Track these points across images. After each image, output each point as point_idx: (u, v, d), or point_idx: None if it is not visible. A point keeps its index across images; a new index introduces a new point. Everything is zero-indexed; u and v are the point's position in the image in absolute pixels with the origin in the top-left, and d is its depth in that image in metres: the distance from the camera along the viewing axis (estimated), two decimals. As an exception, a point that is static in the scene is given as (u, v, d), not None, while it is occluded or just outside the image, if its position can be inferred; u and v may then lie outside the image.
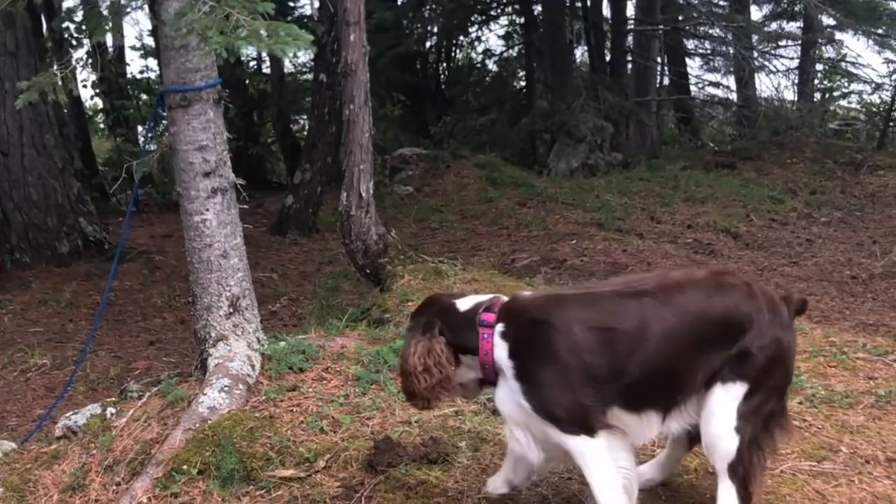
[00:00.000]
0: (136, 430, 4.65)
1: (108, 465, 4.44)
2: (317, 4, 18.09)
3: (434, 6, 20.53)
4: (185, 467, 4.17)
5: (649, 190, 13.07)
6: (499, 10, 21.73)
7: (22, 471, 4.61)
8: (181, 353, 7.85)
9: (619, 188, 13.12)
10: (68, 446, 4.75)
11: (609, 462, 3.42)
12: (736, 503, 3.46)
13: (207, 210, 4.91)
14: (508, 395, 3.49)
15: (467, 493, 3.85)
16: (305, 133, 14.43)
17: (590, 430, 3.40)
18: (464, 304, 3.66)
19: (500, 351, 3.47)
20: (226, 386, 4.65)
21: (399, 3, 19.71)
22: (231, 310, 5.00)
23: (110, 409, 4.93)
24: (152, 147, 5.72)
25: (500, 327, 3.50)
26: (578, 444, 3.42)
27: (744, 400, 3.44)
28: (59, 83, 4.59)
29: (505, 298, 3.66)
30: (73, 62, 6.12)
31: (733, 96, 22.43)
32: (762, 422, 3.48)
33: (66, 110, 12.46)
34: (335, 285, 9.08)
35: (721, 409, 3.45)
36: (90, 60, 5.21)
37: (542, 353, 3.44)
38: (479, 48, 22.78)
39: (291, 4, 18.57)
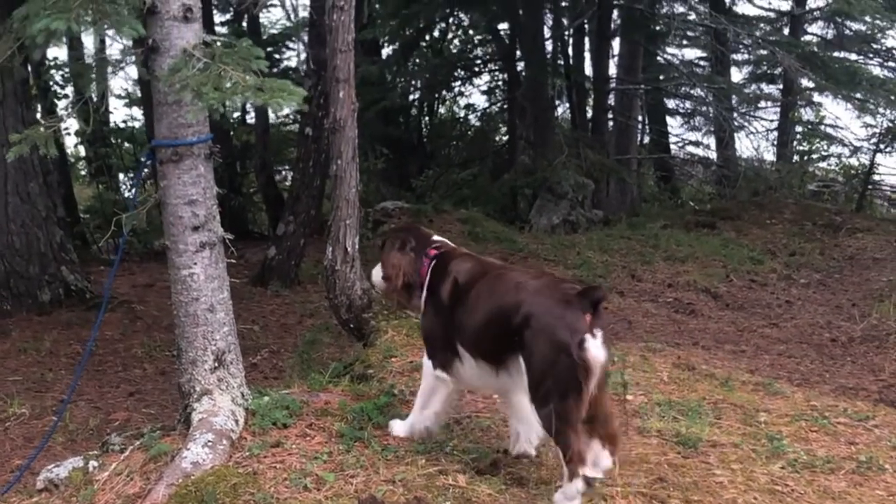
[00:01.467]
0: (119, 484, 4.63)
1: (89, 521, 4.43)
2: (303, 57, 18.28)
3: (419, 61, 20.74)
4: (167, 523, 4.16)
5: (630, 248, 13.16)
6: (482, 67, 21.97)
7: (2, 524, 4.60)
8: (161, 405, 7.81)
9: (600, 245, 13.21)
10: (49, 499, 4.73)
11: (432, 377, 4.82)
12: None
13: (195, 264, 4.93)
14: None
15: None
16: (289, 185, 14.46)
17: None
18: (433, 239, 5.10)
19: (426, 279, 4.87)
20: (209, 441, 4.64)
21: (384, 57, 19.88)
22: (216, 364, 5.01)
23: (92, 463, 4.91)
24: (138, 199, 5.70)
25: (433, 263, 4.88)
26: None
27: None
28: (52, 136, 4.62)
29: (453, 247, 5.08)
30: (63, 114, 6.15)
31: (713, 156, 22.74)
32: None
33: (48, 158, 12.46)
34: (317, 338, 9.06)
35: None
36: (74, 110, 5.18)
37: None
38: (462, 103, 23.00)
39: (277, 57, 18.73)
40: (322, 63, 10.31)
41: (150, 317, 10.18)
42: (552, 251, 12.68)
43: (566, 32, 19.61)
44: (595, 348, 4.08)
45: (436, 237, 5.14)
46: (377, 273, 5.18)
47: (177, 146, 4.81)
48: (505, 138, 21.60)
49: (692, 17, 19.65)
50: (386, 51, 20.48)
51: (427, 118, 22.81)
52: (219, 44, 4.64)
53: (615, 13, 18.92)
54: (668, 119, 23.08)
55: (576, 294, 4.21)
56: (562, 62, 19.76)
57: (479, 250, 12.33)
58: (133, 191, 5.22)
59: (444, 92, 22.44)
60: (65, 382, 8.33)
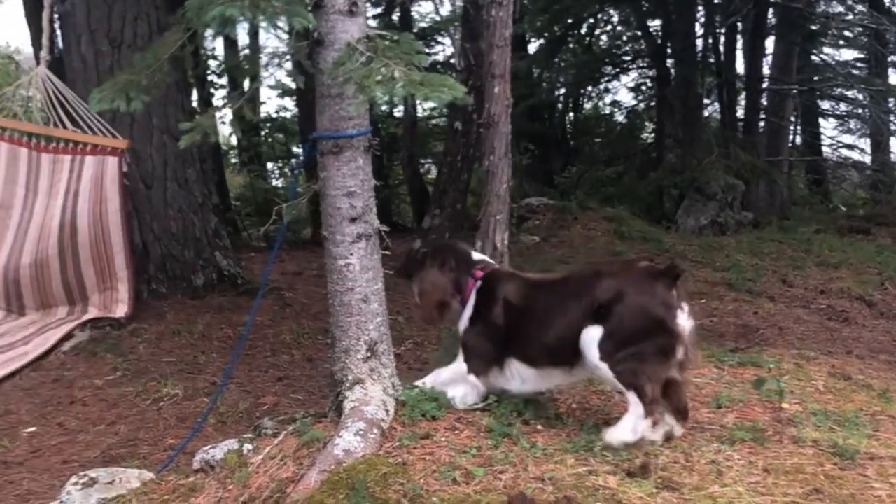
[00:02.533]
0: (272, 468, 4.72)
1: (243, 502, 4.52)
2: (450, 51, 18.40)
3: (566, 57, 20.65)
4: (319, 509, 4.22)
5: (781, 252, 12.86)
6: (630, 64, 21.75)
7: (159, 502, 4.73)
8: (308, 391, 7.94)
9: (749, 248, 12.94)
10: (205, 480, 4.85)
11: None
12: None
13: (352, 255, 5.01)
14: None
15: (601, 555, 3.82)
16: (434, 178, 14.58)
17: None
18: (476, 259, 5.35)
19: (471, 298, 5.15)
20: (361, 430, 4.70)
21: (531, 53, 19.84)
22: (368, 354, 5.08)
23: (247, 445, 5.03)
24: (296, 189, 5.81)
25: (479, 283, 5.15)
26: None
27: None
28: (215, 125, 4.75)
29: (497, 266, 5.46)
30: (221, 104, 6.31)
31: (867, 159, 22.03)
32: None
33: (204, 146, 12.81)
34: (462, 332, 9.09)
35: None
36: (243, 100, 5.30)
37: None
38: (608, 100, 22.83)
39: (427, 51, 18.87)
40: (475, 58, 10.36)
41: (299, 304, 10.36)
42: (700, 252, 12.48)
43: (718, 30, 19.24)
44: (684, 321, 4.67)
45: (477, 255, 5.50)
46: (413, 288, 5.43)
47: (337, 138, 4.89)
48: (652, 136, 21.36)
49: (850, 16, 19.10)
50: (533, 46, 20.47)
51: (572, 114, 22.70)
52: (381, 38, 4.70)
53: (770, 11, 18.49)
54: (822, 121, 22.51)
55: (660, 271, 4.72)
56: (713, 60, 19.40)
57: (626, 250, 12.28)
58: (293, 181, 5.32)
59: (590, 88, 22.31)
60: (216, 365, 8.55)
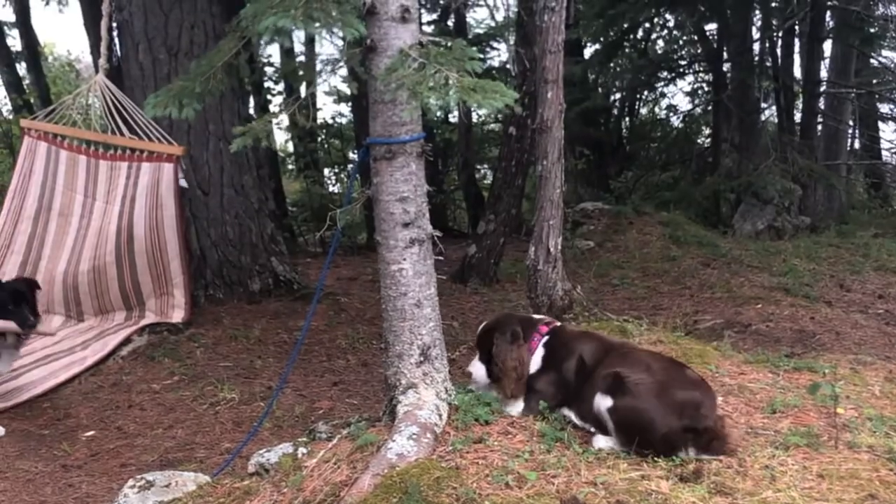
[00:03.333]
0: (326, 471, 4.75)
1: (298, 505, 4.56)
2: (505, 57, 18.39)
3: (621, 62, 20.57)
4: (372, 512, 4.25)
5: (838, 256, 12.71)
6: (686, 68, 21.61)
7: (215, 504, 4.79)
8: (363, 396, 8.00)
9: (806, 253, 12.81)
10: (260, 483, 4.89)
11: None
12: None
13: (404, 260, 5.03)
14: None
15: (654, 561, 3.80)
16: (489, 183, 14.59)
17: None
18: (536, 318, 5.46)
19: (540, 349, 5.21)
20: (414, 434, 4.72)
21: (587, 57, 19.78)
22: (422, 358, 5.09)
23: (301, 449, 5.07)
24: (351, 194, 5.84)
25: (545, 338, 5.22)
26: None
27: None
28: (269, 130, 4.80)
29: (562, 324, 5.53)
30: (275, 110, 6.37)
31: (927, 163, 21.71)
32: None
33: (260, 152, 12.93)
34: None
35: None
36: (294, 106, 5.35)
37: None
38: (663, 104, 22.69)
39: (482, 56, 18.85)
40: (530, 63, 10.36)
41: (354, 309, 10.43)
42: (756, 257, 12.37)
43: (775, 33, 19.05)
44: None
45: (535, 316, 5.70)
46: (479, 369, 5.33)
47: (390, 144, 4.91)
48: (708, 141, 21.21)
49: (910, 19, 18.80)
50: (588, 51, 20.40)
51: (627, 119, 22.61)
52: (434, 44, 4.72)
53: (828, 14, 18.29)
54: (881, 124, 22.20)
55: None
56: (770, 64, 19.21)
57: (681, 254, 12.21)
58: (348, 186, 5.36)
59: (645, 93, 22.20)
60: (272, 370, 8.64)
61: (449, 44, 4.76)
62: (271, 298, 10.56)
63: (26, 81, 18.24)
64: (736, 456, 4.63)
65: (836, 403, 5.24)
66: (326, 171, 20.03)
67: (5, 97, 17.99)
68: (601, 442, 4.76)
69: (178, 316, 9.76)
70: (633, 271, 11.74)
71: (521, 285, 11.16)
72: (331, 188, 19.89)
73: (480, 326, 5.40)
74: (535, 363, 5.19)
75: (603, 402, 4.76)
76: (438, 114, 18.38)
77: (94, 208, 10.11)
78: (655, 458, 4.59)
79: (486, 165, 20.69)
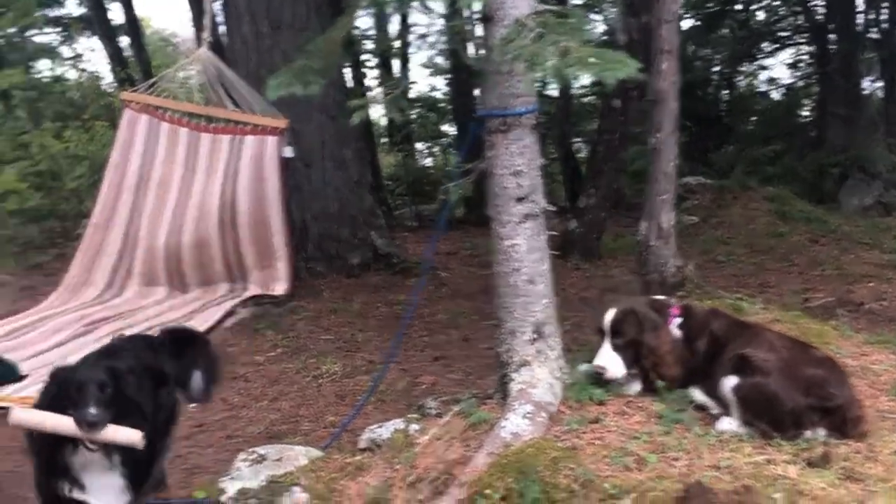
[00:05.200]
0: (439, 448, 4.68)
1: (411, 482, 4.49)
2: (603, 27, 18.11)
3: (722, 34, 20.15)
4: (488, 492, 4.15)
5: (953, 233, 12.27)
6: (788, 40, 21.08)
7: (327, 479, 4.73)
8: (465, 372, 7.91)
9: (919, 229, 12.39)
10: (372, 459, 4.84)
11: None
12: None
13: (518, 235, 4.92)
14: None
15: (784, 550, 3.66)
16: (587, 156, 14.39)
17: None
18: (663, 299, 5.36)
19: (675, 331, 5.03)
20: (528, 412, 4.62)
21: (686, 29, 19.41)
22: (535, 336, 4.98)
23: (413, 426, 5.01)
24: (461, 168, 5.73)
25: (678, 320, 5.07)
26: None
27: None
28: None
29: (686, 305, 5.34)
30: (384, 85, 6.32)
31: None
32: None
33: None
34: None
35: None
36: (400, 80, 5.28)
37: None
38: (763, 77, 22.19)
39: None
40: (637, 33, 10.15)
41: (454, 284, 10.36)
42: (865, 234, 12.00)
43: (880, 3, 18.46)
44: None
45: (658, 297, 5.50)
46: (613, 361, 5.02)
47: (505, 116, 4.81)
48: (810, 114, 20.69)
49: None
50: (687, 22, 20.01)
51: (727, 92, 22.15)
52: (551, 13, 4.59)
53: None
54: None
55: None
56: (875, 34, 18.63)
57: (788, 230, 11.90)
58: (457, 160, 5.28)
59: (745, 65, 21.73)
60: (373, 343, 8.61)
61: (566, 13, 4.62)
62: (370, 272, 10.56)
63: (127, 55, 18.48)
64: (865, 440, 4.46)
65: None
66: (419, 145, 19.98)
67: (109, 71, 18.23)
68: (725, 424, 4.62)
69: (280, 289, 9.81)
70: (739, 248, 11.46)
71: (622, 261, 11.01)
72: (424, 162, 19.83)
73: (610, 314, 5.08)
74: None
75: (728, 382, 4.63)
76: (536, 86, 18.35)
77: (194, 181, 10.20)
78: (780, 442, 4.43)
79: (580, 139, 20.42)
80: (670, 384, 4.93)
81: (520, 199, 4.89)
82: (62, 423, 4.04)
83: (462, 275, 10.60)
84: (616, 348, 5.01)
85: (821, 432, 4.48)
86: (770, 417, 4.48)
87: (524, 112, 4.81)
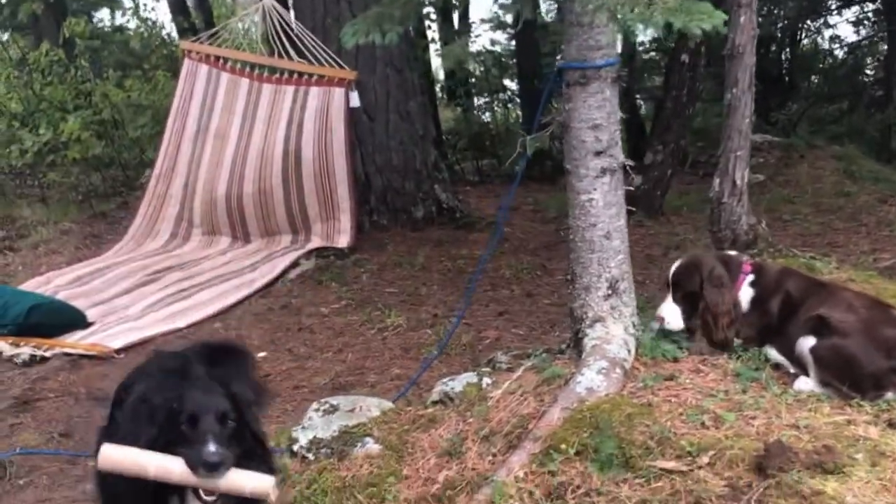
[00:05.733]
0: (512, 402, 4.68)
1: (484, 435, 4.49)
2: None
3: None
4: (562, 446, 4.14)
5: None
6: (854, -2, 20.64)
7: (400, 431, 4.76)
8: (529, 327, 7.89)
9: None
10: (444, 412, 4.85)
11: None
12: None
13: (595, 189, 4.86)
14: None
15: (868, 510, 3.60)
16: (653, 112, 14.19)
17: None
18: (734, 255, 5.27)
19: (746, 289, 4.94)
20: (603, 368, 4.60)
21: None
22: (609, 291, 4.95)
23: (486, 379, 5.01)
24: (540, 121, 5.66)
25: (750, 277, 4.95)
26: None
27: None
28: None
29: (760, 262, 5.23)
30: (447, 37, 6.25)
31: None
32: None
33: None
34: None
35: None
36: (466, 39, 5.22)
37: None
38: (827, 34, 21.75)
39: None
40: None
41: (517, 239, 10.31)
42: (935, 194, 11.74)
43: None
44: None
45: (731, 252, 5.47)
46: (673, 312, 5.02)
47: (585, 69, 4.74)
48: (876, 72, 20.26)
49: None
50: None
51: (790, 49, 21.74)
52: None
53: None
54: None
55: None
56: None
57: (856, 190, 11.69)
58: (538, 112, 5.17)
59: (809, 22, 21.31)
60: (437, 297, 8.62)
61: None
62: (434, 226, 10.54)
63: (190, 4, 18.49)
64: (947, 404, 4.38)
65: None
66: (477, 100, 19.80)
67: (170, 20, 18.26)
68: (802, 384, 4.56)
69: (343, 241, 9.84)
70: (806, 206, 11.25)
71: (687, 219, 10.90)
72: (484, 117, 19.67)
73: (675, 265, 5.07)
74: (743, 305, 4.94)
75: (805, 343, 4.56)
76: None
77: (253, 131, 10.23)
78: (860, 403, 4.36)
79: (642, 95, 20.14)
80: (722, 345, 4.89)
81: (598, 154, 4.83)
82: (171, 467, 3.09)
83: (524, 230, 10.54)
84: (676, 300, 5.00)
85: None
86: (850, 379, 4.41)
87: (605, 65, 4.74)
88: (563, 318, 6.44)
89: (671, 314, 4.99)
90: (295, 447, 4.86)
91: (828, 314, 4.57)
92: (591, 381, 4.53)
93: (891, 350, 4.43)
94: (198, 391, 3.25)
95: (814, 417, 4.25)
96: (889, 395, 4.38)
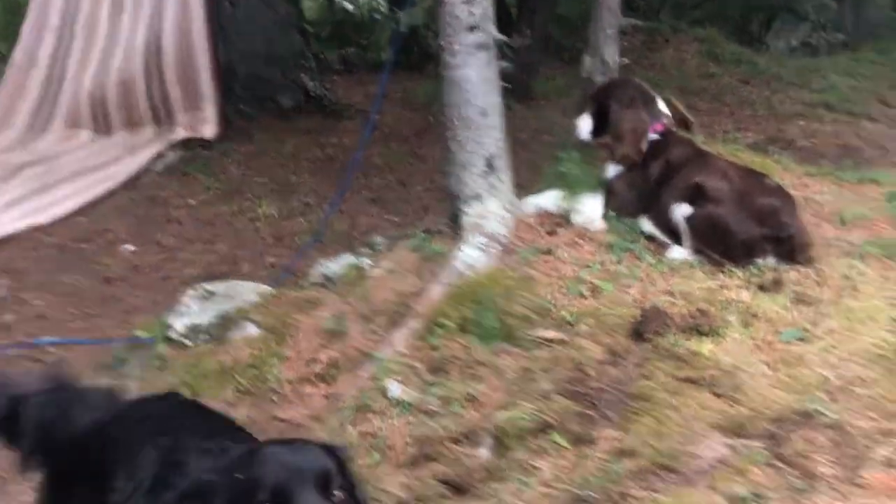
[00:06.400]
0: (393, 281, 4.67)
1: (366, 315, 4.49)
2: None
3: None
4: (444, 321, 4.18)
5: (878, 73, 12.32)
6: None
7: (280, 314, 4.71)
8: (403, 214, 7.86)
9: (845, 70, 12.40)
10: (325, 294, 4.81)
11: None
12: None
13: (469, 65, 4.83)
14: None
15: (742, 368, 3.72)
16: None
17: None
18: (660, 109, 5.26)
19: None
20: (482, 244, 4.62)
21: None
22: (486, 169, 4.94)
23: (365, 260, 4.97)
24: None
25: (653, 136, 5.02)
26: None
27: None
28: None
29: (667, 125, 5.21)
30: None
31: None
32: None
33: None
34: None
35: None
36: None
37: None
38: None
39: None
40: None
41: (387, 126, 10.17)
42: (795, 75, 11.99)
43: None
44: None
45: (661, 105, 5.36)
46: (586, 122, 5.25)
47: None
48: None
49: None
50: None
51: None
52: None
53: None
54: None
55: None
56: None
57: (720, 72, 11.92)
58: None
59: None
60: (308, 186, 8.51)
61: None
62: (302, 115, 10.31)
63: None
64: (813, 266, 4.53)
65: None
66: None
67: None
68: (676, 252, 4.66)
69: (208, 131, 9.57)
70: (671, 89, 11.32)
71: (555, 103, 10.93)
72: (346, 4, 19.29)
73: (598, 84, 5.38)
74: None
75: (680, 211, 4.64)
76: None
77: (120, 21, 9.85)
78: (732, 269, 4.49)
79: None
80: (622, 162, 5.05)
81: (471, 28, 4.79)
82: None
83: (395, 118, 10.40)
84: (591, 114, 5.22)
85: (771, 259, 4.53)
86: (723, 247, 4.52)
87: (475, -63, 4.66)
88: (438, 203, 6.44)
89: (583, 125, 5.23)
90: (170, 334, 4.77)
91: (704, 181, 4.65)
92: (471, 256, 4.56)
93: (763, 217, 4.54)
94: (279, 447, 2.04)
95: (687, 283, 4.37)
96: (759, 261, 4.51)
